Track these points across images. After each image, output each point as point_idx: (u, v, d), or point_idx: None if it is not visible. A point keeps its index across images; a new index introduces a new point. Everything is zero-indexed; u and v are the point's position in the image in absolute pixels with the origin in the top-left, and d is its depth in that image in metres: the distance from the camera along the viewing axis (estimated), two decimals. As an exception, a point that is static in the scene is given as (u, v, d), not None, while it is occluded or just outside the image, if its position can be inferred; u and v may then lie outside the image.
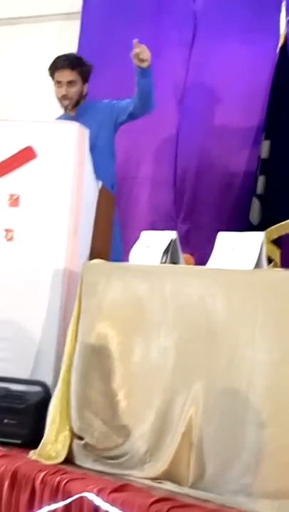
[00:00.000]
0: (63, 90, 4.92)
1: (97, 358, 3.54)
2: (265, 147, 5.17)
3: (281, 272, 3.41)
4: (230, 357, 3.15)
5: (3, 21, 6.45)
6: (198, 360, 3.25)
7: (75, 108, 4.99)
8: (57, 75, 4.94)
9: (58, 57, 5.01)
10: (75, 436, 3.58)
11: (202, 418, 3.19)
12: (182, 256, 3.77)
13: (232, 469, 3.06)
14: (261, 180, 5.16)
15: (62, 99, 4.95)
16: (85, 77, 4.96)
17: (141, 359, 3.41)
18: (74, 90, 4.93)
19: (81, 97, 4.98)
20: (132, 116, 4.95)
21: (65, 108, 4.97)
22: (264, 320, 3.10)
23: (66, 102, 4.94)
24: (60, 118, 5.01)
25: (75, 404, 3.59)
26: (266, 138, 5.19)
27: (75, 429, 3.58)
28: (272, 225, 4.97)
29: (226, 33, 5.46)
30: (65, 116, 4.96)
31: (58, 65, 4.93)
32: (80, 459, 3.55)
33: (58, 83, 4.94)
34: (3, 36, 6.46)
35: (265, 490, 2.99)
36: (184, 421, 3.23)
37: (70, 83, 4.93)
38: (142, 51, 4.71)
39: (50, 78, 5.08)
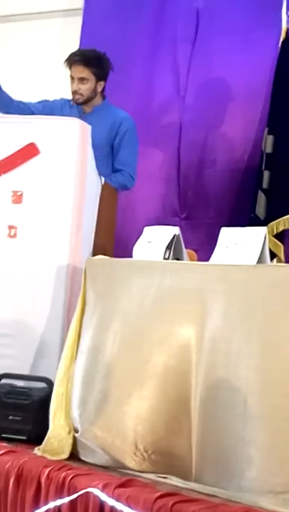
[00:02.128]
0: (74, 86, 4.93)
1: (100, 353, 3.55)
2: (269, 142, 5.17)
3: (283, 267, 3.41)
4: (228, 352, 3.15)
5: (5, 18, 6.46)
6: (195, 356, 3.25)
7: (91, 105, 4.99)
8: (71, 69, 4.94)
9: (75, 52, 5.01)
10: (77, 432, 3.59)
11: (201, 413, 3.20)
12: (185, 252, 3.77)
13: (236, 464, 3.07)
14: (266, 175, 5.16)
15: (73, 94, 4.97)
16: (99, 76, 4.94)
17: (142, 354, 3.41)
18: (85, 87, 4.92)
19: (95, 94, 4.97)
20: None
21: (76, 103, 4.98)
22: (264, 315, 3.10)
23: (77, 97, 4.95)
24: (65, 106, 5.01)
25: (76, 399, 3.60)
26: (270, 133, 5.19)
27: (78, 425, 3.59)
28: (278, 219, 4.99)
29: (228, 29, 5.48)
30: (76, 110, 4.97)
31: (72, 59, 4.94)
32: (85, 455, 3.56)
33: (72, 78, 4.95)
34: (6, 33, 6.47)
35: (270, 484, 2.99)
36: (183, 416, 3.24)
37: (82, 80, 4.92)
38: None
39: (53, 74, 5.08)
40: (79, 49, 5.18)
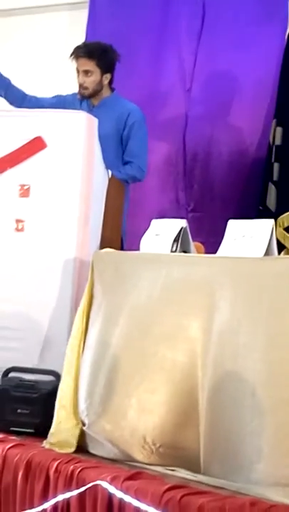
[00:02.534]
0: (80, 79, 4.95)
1: (107, 346, 3.55)
2: (278, 134, 5.17)
3: (290, 259, 3.40)
4: (235, 344, 3.15)
5: (11, 12, 6.46)
6: (203, 348, 3.24)
7: (99, 98, 5.00)
8: (77, 62, 4.96)
9: (79, 45, 5.03)
10: (85, 425, 3.59)
11: (209, 405, 3.19)
12: (193, 244, 3.77)
13: (244, 456, 3.07)
14: (276, 167, 5.16)
15: (79, 87, 4.98)
16: (104, 68, 4.95)
17: (149, 347, 3.41)
18: (90, 80, 4.93)
19: (101, 86, 4.97)
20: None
21: (82, 96, 4.99)
22: (271, 307, 3.10)
23: (83, 91, 4.96)
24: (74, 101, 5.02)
25: (83, 392, 3.61)
26: (278, 125, 5.18)
27: (86, 418, 3.59)
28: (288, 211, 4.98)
29: (235, 21, 5.48)
30: (83, 104, 4.97)
31: (77, 52, 4.95)
32: (93, 448, 3.57)
33: (77, 71, 4.97)
34: (12, 27, 6.47)
35: (278, 476, 2.99)
36: (191, 408, 3.24)
37: (86, 72, 4.93)
38: None
39: (59, 68, 5.10)
40: (84, 42, 5.20)
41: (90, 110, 4.79)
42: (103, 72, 4.95)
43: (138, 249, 3.75)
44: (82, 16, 6.01)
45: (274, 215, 4.84)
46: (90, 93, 4.96)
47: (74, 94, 5.08)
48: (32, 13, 6.42)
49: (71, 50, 5.00)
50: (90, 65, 4.92)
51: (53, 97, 5.08)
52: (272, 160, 5.17)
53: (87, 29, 5.91)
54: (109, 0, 5.94)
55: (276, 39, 5.32)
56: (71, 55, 4.98)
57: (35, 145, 4.24)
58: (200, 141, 5.56)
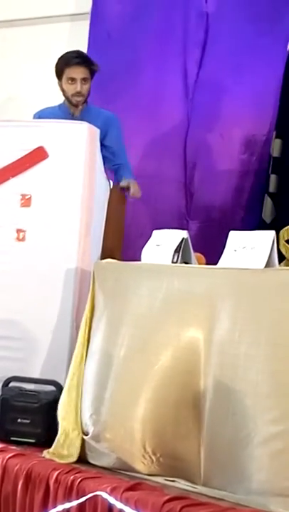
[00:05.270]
0: (78, 87, 4.90)
1: (109, 357, 3.55)
2: (276, 146, 5.18)
3: (291, 270, 3.41)
4: (236, 355, 3.15)
5: (13, 23, 6.47)
6: (204, 359, 3.25)
7: (80, 108, 5.00)
8: (69, 71, 4.90)
9: (68, 54, 4.98)
10: (87, 435, 3.59)
11: (210, 416, 3.20)
12: (194, 255, 3.78)
13: (244, 467, 3.06)
14: (273, 178, 5.16)
15: (75, 95, 4.93)
16: (92, 76, 4.98)
17: (150, 357, 3.41)
18: (86, 87, 4.93)
19: (89, 94, 5.00)
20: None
21: (77, 105, 4.98)
22: (272, 318, 3.10)
23: (79, 99, 4.94)
24: (54, 113, 5.00)
25: (86, 402, 3.61)
26: (277, 136, 5.19)
27: (87, 428, 3.60)
28: (285, 223, 4.98)
29: (238, 33, 5.48)
30: (65, 114, 4.96)
31: (72, 61, 4.90)
32: (94, 458, 3.57)
33: (72, 80, 4.92)
34: (13, 37, 6.48)
35: (279, 487, 2.99)
36: (191, 419, 3.25)
37: (84, 80, 4.93)
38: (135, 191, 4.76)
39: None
40: (74, 51, 5.12)
41: (73, 119, 4.78)
42: (91, 79, 4.97)
43: (139, 259, 3.75)
44: (83, 27, 6.02)
45: (269, 227, 4.84)
46: (84, 101, 4.97)
47: (50, 108, 5.04)
48: (33, 24, 6.43)
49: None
50: (86, 72, 4.92)
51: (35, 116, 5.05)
52: (270, 171, 5.18)
53: (89, 40, 5.92)
54: (112, 11, 5.94)
55: (278, 51, 5.33)
56: (62, 63, 4.92)
57: (37, 155, 4.26)
58: (201, 150, 5.56)
